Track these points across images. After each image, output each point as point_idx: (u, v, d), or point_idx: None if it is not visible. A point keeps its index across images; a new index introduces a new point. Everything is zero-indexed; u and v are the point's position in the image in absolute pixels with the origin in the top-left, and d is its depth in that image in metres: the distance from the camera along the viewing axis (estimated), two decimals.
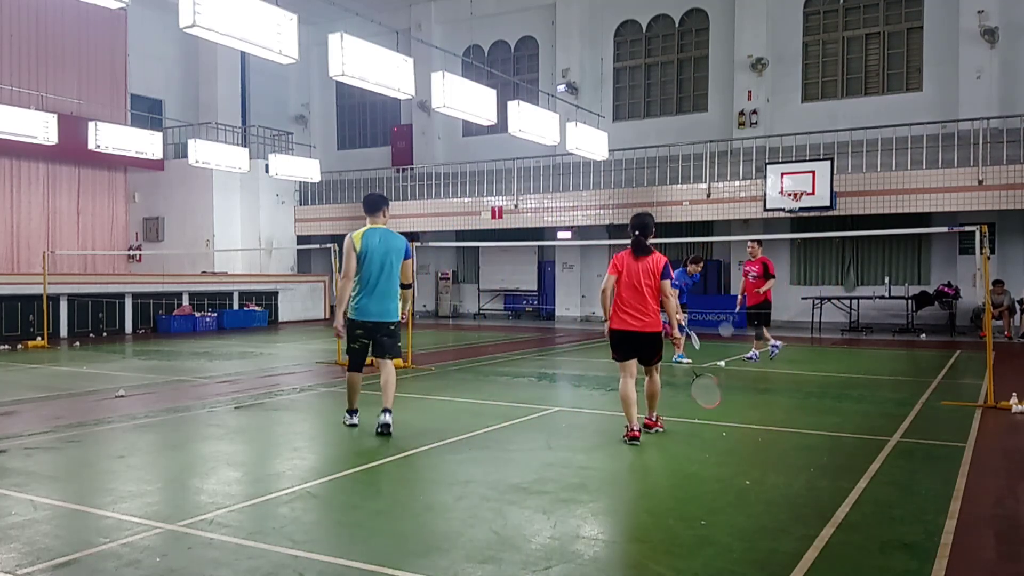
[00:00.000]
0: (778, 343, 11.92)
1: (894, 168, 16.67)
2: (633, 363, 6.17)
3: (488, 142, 22.44)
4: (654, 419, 6.42)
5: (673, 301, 6.33)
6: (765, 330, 11.64)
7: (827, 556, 3.70)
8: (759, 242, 11.95)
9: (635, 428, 6.02)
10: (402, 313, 6.89)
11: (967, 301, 16.89)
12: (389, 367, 6.74)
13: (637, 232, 6.15)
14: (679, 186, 18.66)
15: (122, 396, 8.48)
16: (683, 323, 11.40)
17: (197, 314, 18.85)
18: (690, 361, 11.27)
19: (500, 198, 20.93)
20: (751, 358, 11.65)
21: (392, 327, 6.69)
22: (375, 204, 6.71)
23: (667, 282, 6.14)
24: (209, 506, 4.51)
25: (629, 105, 21.91)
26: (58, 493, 4.88)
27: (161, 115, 23.44)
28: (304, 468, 5.54)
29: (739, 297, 11.86)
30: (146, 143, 16.84)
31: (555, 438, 6.37)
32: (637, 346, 6.14)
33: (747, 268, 11.71)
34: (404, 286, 6.87)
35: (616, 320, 6.14)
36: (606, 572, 3.61)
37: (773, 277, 11.60)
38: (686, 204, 18.40)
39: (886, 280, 18.23)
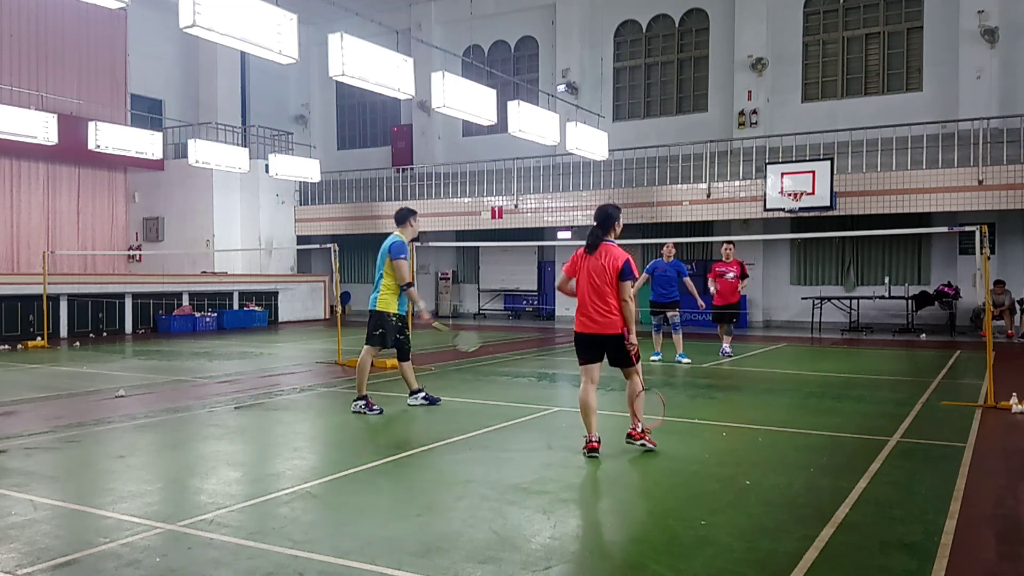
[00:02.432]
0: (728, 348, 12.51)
1: (894, 168, 16.67)
2: (595, 368, 5.74)
3: (488, 142, 22.44)
4: (639, 430, 5.77)
5: (632, 306, 5.66)
6: (730, 327, 12.41)
7: (827, 556, 3.70)
8: (733, 244, 12.45)
9: (593, 439, 5.63)
10: (417, 313, 7.79)
11: (967, 301, 16.89)
12: (361, 353, 7.65)
13: (595, 224, 5.78)
14: (679, 186, 18.66)
15: (122, 396, 8.48)
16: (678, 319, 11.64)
17: (197, 314, 18.85)
18: (689, 361, 11.27)
19: (500, 198, 20.93)
20: (727, 353, 12.14)
21: (371, 312, 7.58)
22: (398, 217, 7.73)
23: (626, 284, 5.62)
24: (209, 506, 4.52)
25: (629, 105, 21.91)
26: (58, 493, 4.88)
27: (161, 115, 23.43)
28: (304, 468, 5.54)
29: (714, 296, 12.10)
30: (146, 143, 16.85)
31: (555, 438, 6.36)
32: (601, 350, 5.73)
33: (723, 269, 12.13)
34: (402, 286, 7.52)
35: (577, 322, 5.79)
36: (606, 572, 3.61)
37: (748, 276, 12.44)
38: (686, 204, 18.40)
39: (886, 280, 18.23)
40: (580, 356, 5.81)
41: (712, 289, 12.07)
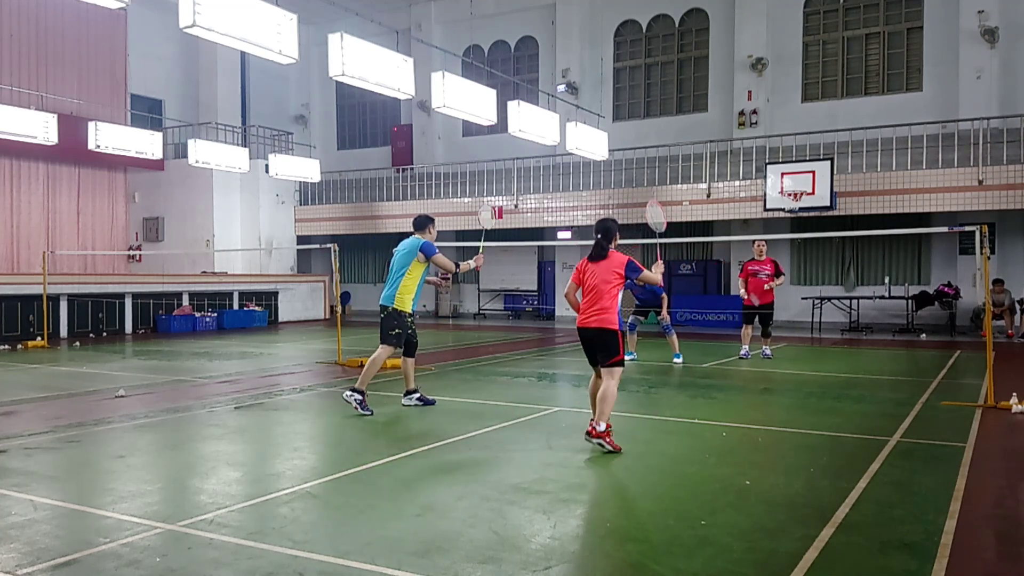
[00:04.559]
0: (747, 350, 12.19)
1: (894, 168, 16.67)
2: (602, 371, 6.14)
3: (488, 142, 22.44)
4: (600, 429, 5.74)
5: (650, 275, 6.29)
6: (768, 329, 12.07)
7: (827, 556, 3.70)
8: (765, 241, 12.22)
9: (605, 426, 5.83)
10: (456, 270, 8.08)
11: (967, 301, 16.89)
12: (377, 351, 7.63)
13: (599, 235, 6.17)
14: (679, 186, 18.66)
15: (122, 396, 8.48)
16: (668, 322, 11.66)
17: (197, 314, 18.85)
18: (680, 361, 11.32)
19: (500, 198, 20.92)
20: (767, 355, 11.94)
21: (386, 310, 7.63)
22: (417, 223, 7.97)
23: (641, 272, 6.11)
24: (209, 506, 4.52)
25: (629, 105, 21.91)
26: (58, 493, 4.88)
27: (161, 115, 23.43)
28: (304, 468, 5.54)
29: (747, 296, 11.87)
30: (146, 143, 16.85)
31: (555, 438, 6.37)
32: (592, 344, 6.08)
33: (756, 268, 11.85)
34: (443, 276, 8.32)
35: (577, 319, 6.19)
36: (606, 572, 3.61)
37: (783, 274, 12.13)
38: (686, 204, 18.40)
39: (886, 280, 18.23)
40: (585, 354, 6.26)
41: (742, 292, 11.88)
